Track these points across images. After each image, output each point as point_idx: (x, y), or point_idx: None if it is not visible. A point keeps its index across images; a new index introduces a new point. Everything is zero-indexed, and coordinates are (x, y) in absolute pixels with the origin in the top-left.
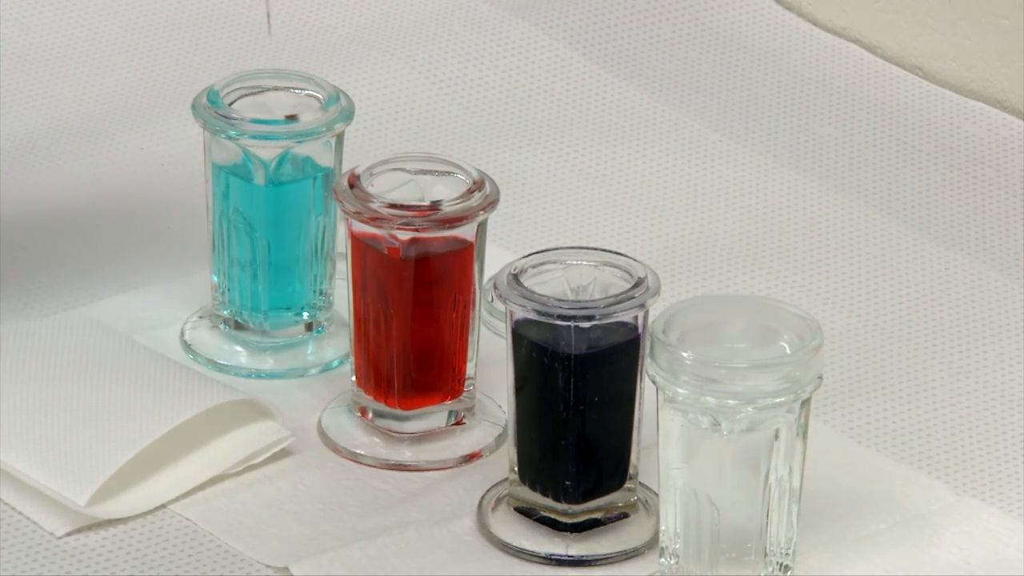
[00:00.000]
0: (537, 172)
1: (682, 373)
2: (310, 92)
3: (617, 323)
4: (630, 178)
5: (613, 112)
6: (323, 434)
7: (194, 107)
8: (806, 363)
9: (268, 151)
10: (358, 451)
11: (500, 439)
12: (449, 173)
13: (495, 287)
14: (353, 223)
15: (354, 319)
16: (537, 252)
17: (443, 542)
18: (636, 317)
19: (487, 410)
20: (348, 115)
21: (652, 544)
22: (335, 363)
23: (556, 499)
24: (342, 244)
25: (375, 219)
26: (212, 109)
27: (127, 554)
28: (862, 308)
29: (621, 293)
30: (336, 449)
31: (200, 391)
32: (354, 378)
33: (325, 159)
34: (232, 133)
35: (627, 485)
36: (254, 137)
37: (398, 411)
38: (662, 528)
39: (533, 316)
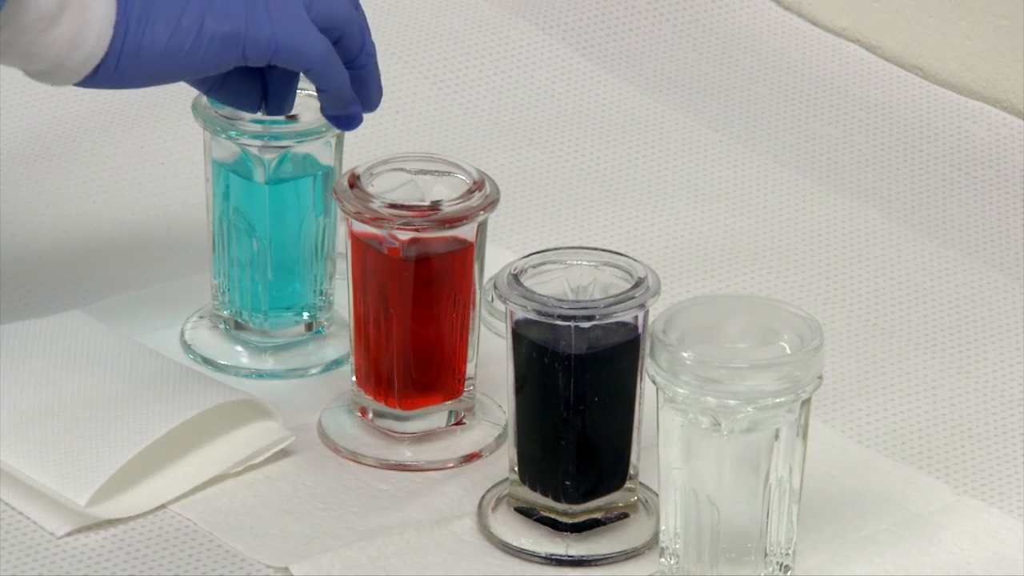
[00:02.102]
0: (537, 172)
1: (682, 373)
2: (310, 92)
3: (617, 323)
4: (630, 178)
5: (613, 112)
6: (323, 434)
7: (194, 107)
8: (806, 363)
9: (268, 151)
10: (358, 451)
11: (500, 439)
12: (449, 173)
13: (495, 287)
14: (353, 223)
15: (354, 319)
16: (537, 252)
17: (443, 542)
18: (636, 317)
19: (487, 410)
20: None
21: (652, 544)
22: (335, 363)
23: (556, 499)
24: (342, 244)
25: (375, 219)
26: (212, 109)
27: (127, 554)
28: (862, 308)
29: (621, 293)
30: (336, 449)
31: (200, 391)
32: (354, 378)
33: (325, 159)
34: (232, 133)
35: (627, 485)
36: (254, 137)
37: (398, 411)
38: (662, 528)
39: (533, 316)
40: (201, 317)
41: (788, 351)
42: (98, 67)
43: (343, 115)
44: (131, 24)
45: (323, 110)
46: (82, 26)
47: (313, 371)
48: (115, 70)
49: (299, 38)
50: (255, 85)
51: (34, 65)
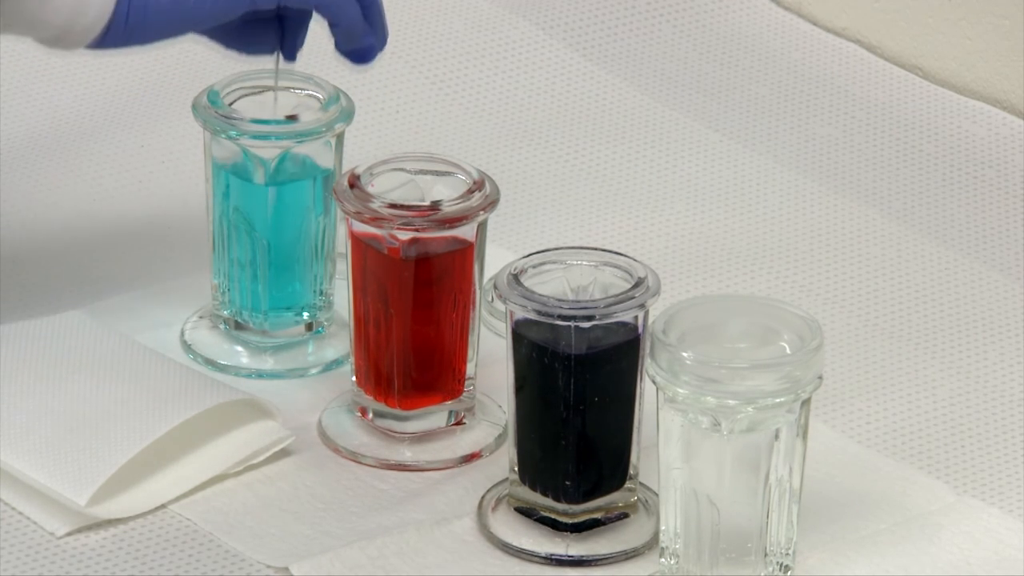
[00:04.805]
0: (537, 172)
1: (682, 373)
2: (310, 92)
3: (617, 323)
4: (630, 178)
5: (613, 112)
6: (323, 434)
7: (194, 107)
8: (806, 363)
9: (268, 151)
10: (358, 451)
11: (500, 439)
12: (449, 173)
13: (495, 287)
14: (353, 223)
15: (354, 319)
16: (537, 252)
17: (443, 542)
18: (636, 317)
19: (487, 410)
20: (348, 115)
21: (652, 544)
22: (335, 363)
23: (556, 499)
24: (342, 244)
25: (375, 219)
26: (212, 109)
27: (127, 554)
28: (862, 308)
29: (621, 293)
30: (336, 449)
31: (200, 391)
32: (354, 378)
33: (325, 159)
34: (232, 133)
35: (627, 485)
36: (254, 137)
37: (398, 411)
38: (662, 528)
39: (533, 316)
40: (201, 317)
41: (788, 351)
42: (107, 28)
43: (358, 48)
44: None
45: (337, 46)
46: None
47: (313, 371)
48: (125, 28)
49: None
50: (269, 30)
51: (42, 32)
